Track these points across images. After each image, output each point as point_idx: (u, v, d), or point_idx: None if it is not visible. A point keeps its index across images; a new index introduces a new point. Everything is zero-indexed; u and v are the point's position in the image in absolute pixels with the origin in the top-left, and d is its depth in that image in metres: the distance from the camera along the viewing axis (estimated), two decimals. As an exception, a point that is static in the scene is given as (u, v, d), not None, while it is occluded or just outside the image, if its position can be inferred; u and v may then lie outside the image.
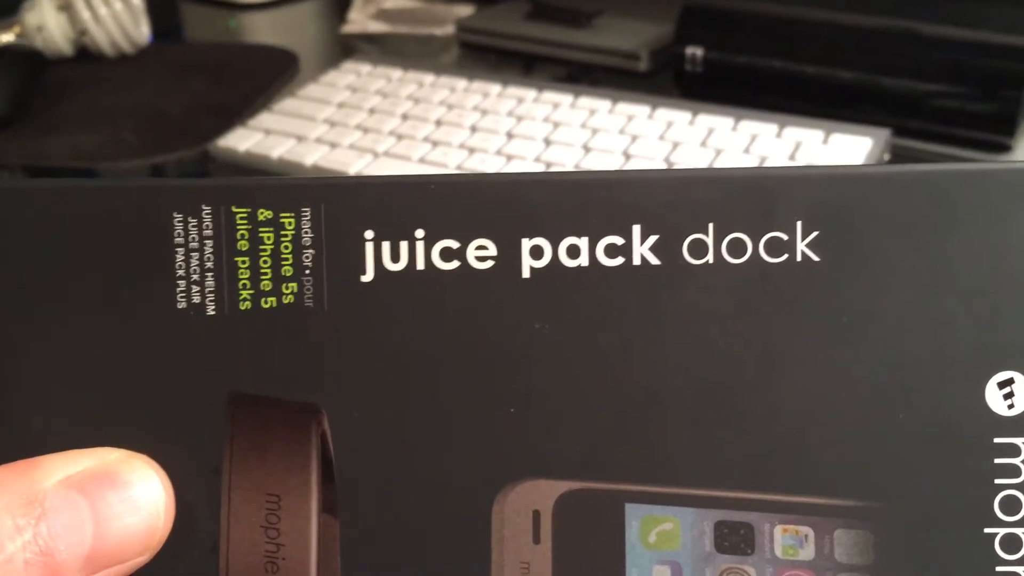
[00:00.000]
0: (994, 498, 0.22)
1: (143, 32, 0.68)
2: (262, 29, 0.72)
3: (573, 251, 0.22)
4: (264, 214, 0.21)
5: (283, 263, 0.21)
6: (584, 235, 0.22)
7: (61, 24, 0.66)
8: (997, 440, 0.22)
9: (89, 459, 0.20)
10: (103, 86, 0.63)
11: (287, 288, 0.21)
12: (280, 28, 0.73)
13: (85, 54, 0.67)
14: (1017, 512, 0.22)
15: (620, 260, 0.22)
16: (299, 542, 0.22)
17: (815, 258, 0.22)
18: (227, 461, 0.21)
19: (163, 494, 0.21)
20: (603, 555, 0.22)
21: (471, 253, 0.22)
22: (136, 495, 0.20)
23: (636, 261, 0.22)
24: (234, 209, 0.21)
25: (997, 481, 0.22)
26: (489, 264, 0.22)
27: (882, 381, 0.22)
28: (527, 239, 0.22)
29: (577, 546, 0.22)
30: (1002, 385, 0.22)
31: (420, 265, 0.22)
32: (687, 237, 0.22)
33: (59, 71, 0.65)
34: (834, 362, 0.22)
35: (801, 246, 0.22)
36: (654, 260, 0.22)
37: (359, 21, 0.73)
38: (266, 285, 0.21)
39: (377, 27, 0.72)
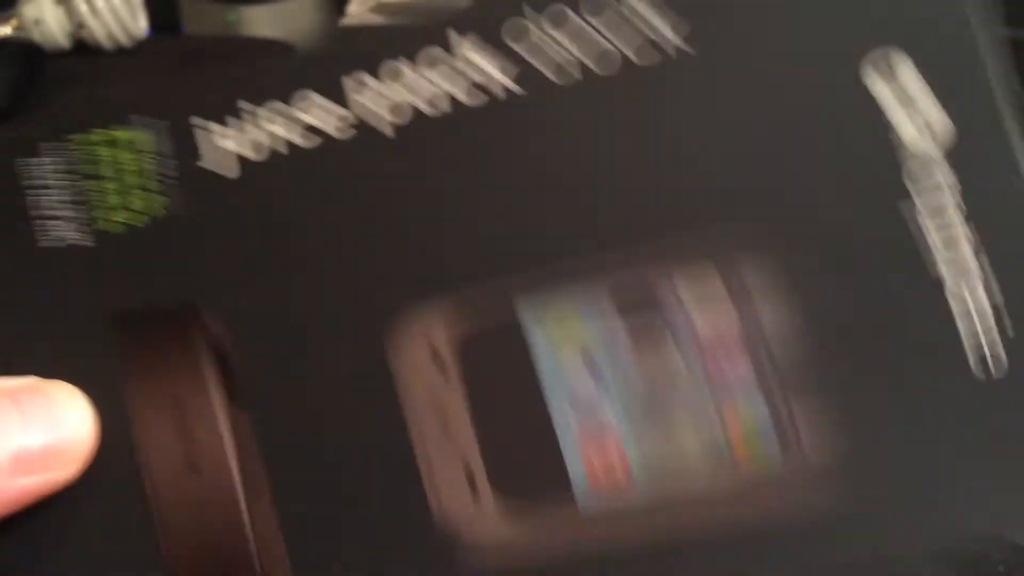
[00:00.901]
0: (900, 168, 0.21)
1: (141, 26, 0.68)
2: (262, 23, 0.72)
3: (436, 102, 0.22)
4: (112, 135, 0.21)
5: (143, 179, 0.22)
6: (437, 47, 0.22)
7: (59, 17, 0.66)
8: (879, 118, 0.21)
9: (14, 381, 0.20)
10: (101, 79, 0.63)
11: (152, 202, 0.22)
12: (279, 22, 0.73)
13: (83, 47, 0.67)
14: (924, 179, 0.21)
15: (484, 98, 0.22)
16: (213, 439, 0.22)
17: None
18: (126, 380, 0.21)
19: (90, 412, 0.21)
20: (512, 362, 0.21)
21: (331, 124, 0.22)
22: (63, 411, 0.20)
23: (501, 95, 0.22)
24: (79, 137, 0.21)
25: (889, 157, 0.21)
26: (352, 133, 0.22)
27: (753, 94, 0.22)
28: (357, 76, 0.22)
29: (482, 362, 0.22)
30: (877, 64, 0.21)
31: (283, 149, 0.22)
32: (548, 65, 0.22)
33: (57, 64, 0.65)
34: (707, 97, 0.22)
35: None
36: (518, 91, 0.22)
37: (358, 14, 0.73)
38: (131, 202, 0.22)
39: (376, 20, 0.72)
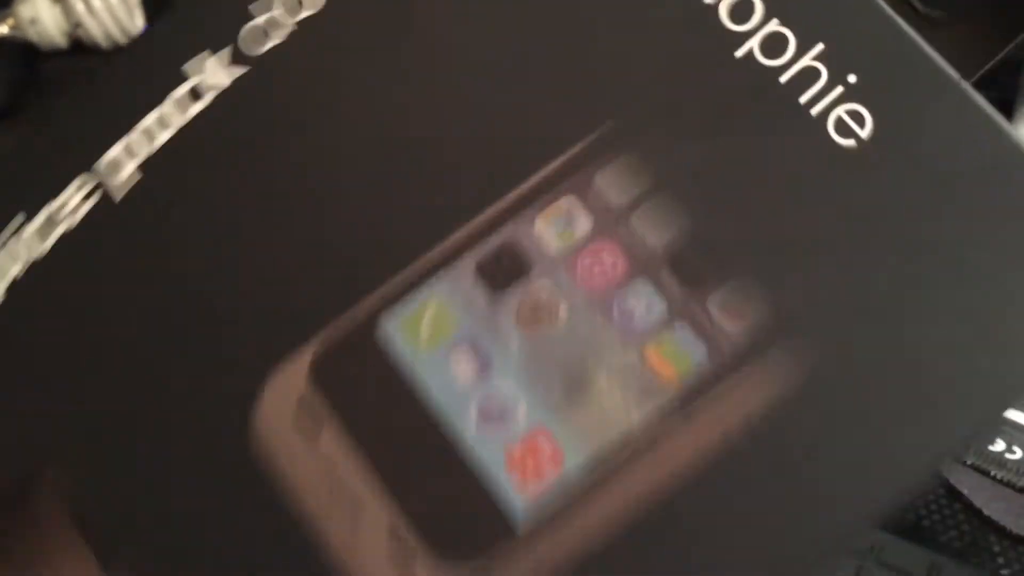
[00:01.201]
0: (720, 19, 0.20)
1: (137, 24, 0.68)
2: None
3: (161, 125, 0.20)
4: None
5: None
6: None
7: (55, 16, 0.66)
8: None
9: None
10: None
11: None
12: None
13: (79, 46, 0.67)
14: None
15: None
16: None
17: None
18: None
19: None
20: (392, 387, 0.18)
21: (72, 202, 0.20)
22: None
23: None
24: None
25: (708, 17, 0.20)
26: (87, 207, 0.20)
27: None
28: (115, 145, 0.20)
29: (361, 400, 0.18)
30: None
31: (39, 254, 0.20)
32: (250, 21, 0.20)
33: (53, 64, 0.64)
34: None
35: None
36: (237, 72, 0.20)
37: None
38: None
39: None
